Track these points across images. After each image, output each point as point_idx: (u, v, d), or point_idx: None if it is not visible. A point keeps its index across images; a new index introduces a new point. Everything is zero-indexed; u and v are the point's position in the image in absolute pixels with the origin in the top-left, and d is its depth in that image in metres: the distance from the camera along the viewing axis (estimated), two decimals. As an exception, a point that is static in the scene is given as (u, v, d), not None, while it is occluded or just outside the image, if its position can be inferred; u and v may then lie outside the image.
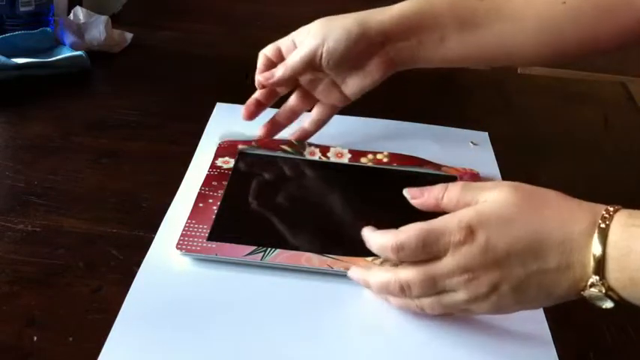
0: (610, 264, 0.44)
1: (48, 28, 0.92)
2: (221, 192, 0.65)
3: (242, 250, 0.57)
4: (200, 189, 0.65)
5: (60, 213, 0.63)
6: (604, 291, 0.45)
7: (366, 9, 0.69)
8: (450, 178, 0.70)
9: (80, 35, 0.93)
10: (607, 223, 0.45)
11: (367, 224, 0.53)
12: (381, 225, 0.52)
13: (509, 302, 0.48)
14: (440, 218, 0.49)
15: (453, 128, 0.81)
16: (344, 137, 0.77)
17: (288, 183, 0.69)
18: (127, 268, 0.56)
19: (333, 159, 0.72)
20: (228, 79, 0.89)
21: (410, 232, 0.48)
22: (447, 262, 0.47)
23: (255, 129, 0.73)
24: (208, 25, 1.08)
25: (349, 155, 0.73)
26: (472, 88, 0.97)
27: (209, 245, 0.58)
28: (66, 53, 0.89)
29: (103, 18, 0.95)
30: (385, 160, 0.72)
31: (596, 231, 0.45)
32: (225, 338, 0.51)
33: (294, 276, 0.57)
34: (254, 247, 0.58)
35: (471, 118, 0.84)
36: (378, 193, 0.69)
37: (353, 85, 0.70)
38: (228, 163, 0.69)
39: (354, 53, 0.67)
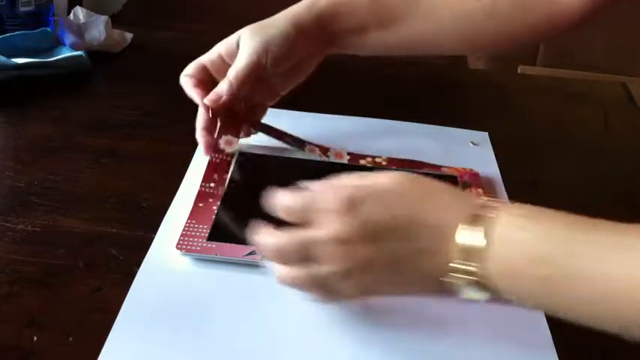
0: (490, 253, 0.44)
1: (48, 28, 0.92)
2: (221, 189, 0.65)
3: (242, 250, 0.58)
4: (201, 185, 0.65)
5: (60, 213, 0.63)
6: (471, 278, 0.44)
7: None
8: (449, 178, 0.70)
9: (80, 35, 0.93)
10: (490, 214, 0.45)
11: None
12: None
13: (379, 281, 0.48)
14: (327, 186, 0.49)
15: (453, 128, 0.81)
16: (344, 137, 0.77)
17: (288, 183, 0.69)
18: (127, 268, 0.56)
19: (332, 159, 0.72)
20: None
21: (298, 194, 0.49)
22: (324, 231, 0.47)
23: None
24: (208, 25, 1.08)
25: (348, 157, 0.73)
26: (472, 88, 0.97)
27: (209, 245, 0.58)
28: (66, 53, 0.89)
29: (103, 18, 0.95)
30: (384, 163, 0.72)
31: (475, 221, 0.44)
32: (225, 338, 0.51)
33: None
34: (254, 247, 0.58)
35: (471, 118, 0.84)
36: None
37: (288, 83, 0.72)
38: (231, 144, 0.69)
39: (296, 53, 0.68)
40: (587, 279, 0.41)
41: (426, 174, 0.71)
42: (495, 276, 0.44)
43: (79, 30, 0.94)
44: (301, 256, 0.48)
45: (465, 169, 0.72)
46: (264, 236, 0.50)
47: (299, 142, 0.73)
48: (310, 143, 0.73)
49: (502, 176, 0.72)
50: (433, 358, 0.51)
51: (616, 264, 0.41)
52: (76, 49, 0.90)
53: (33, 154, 0.71)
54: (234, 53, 0.67)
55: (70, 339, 0.50)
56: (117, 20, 1.01)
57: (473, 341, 0.52)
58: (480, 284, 0.44)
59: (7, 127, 0.77)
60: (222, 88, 0.66)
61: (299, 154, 0.72)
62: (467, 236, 0.44)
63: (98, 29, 0.93)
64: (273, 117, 0.74)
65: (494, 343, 0.52)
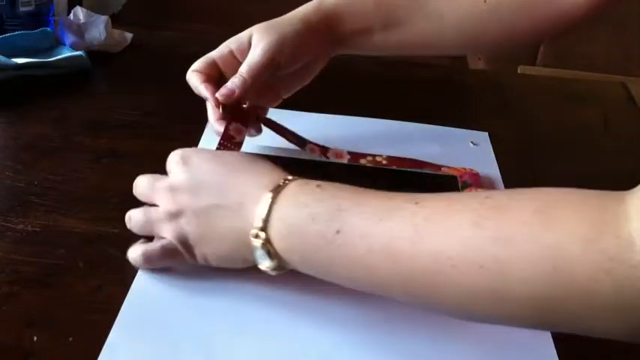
0: (273, 216, 0.48)
1: (48, 28, 0.92)
2: None
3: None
4: None
5: (60, 213, 0.63)
6: (260, 242, 0.49)
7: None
8: (449, 178, 0.71)
9: (80, 35, 0.93)
10: (287, 182, 0.50)
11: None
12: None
13: (195, 229, 0.53)
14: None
15: (453, 128, 0.81)
16: (344, 137, 0.77)
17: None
18: (127, 268, 0.56)
19: (332, 159, 0.72)
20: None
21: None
22: (165, 179, 0.55)
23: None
24: (208, 25, 1.09)
25: (348, 156, 0.73)
26: (472, 88, 0.97)
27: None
28: (66, 53, 0.89)
29: (103, 18, 0.95)
30: (384, 162, 0.72)
31: (272, 189, 0.50)
32: (225, 338, 0.51)
33: (295, 275, 0.56)
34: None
35: (471, 118, 0.84)
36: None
37: (293, 86, 0.72)
38: (241, 132, 0.67)
39: (308, 52, 0.68)
40: (353, 234, 0.46)
41: (426, 174, 0.71)
42: (276, 237, 0.48)
43: (79, 30, 0.94)
44: (146, 192, 0.56)
45: (465, 169, 0.72)
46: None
47: (301, 141, 0.73)
48: (311, 142, 0.73)
49: (502, 176, 0.72)
50: (434, 359, 0.51)
51: (377, 223, 0.45)
52: (76, 49, 0.89)
53: (33, 154, 0.71)
54: (245, 50, 0.67)
55: (70, 339, 0.50)
56: (117, 20, 1.01)
57: (473, 343, 0.52)
58: (267, 249, 0.49)
59: (7, 127, 0.77)
60: (235, 82, 0.65)
61: (300, 155, 0.72)
62: (262, 204, 0.49)
63: (98, 29, 0.93)
64: (273, 116, 0.74)
65: (495, 344, 0.52)
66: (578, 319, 0.41)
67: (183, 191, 0.53)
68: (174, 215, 0.53)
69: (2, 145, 0.73)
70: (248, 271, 0.56)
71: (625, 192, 0.40)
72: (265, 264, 0.50)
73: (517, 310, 0.42)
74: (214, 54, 0.68)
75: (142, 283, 0.55)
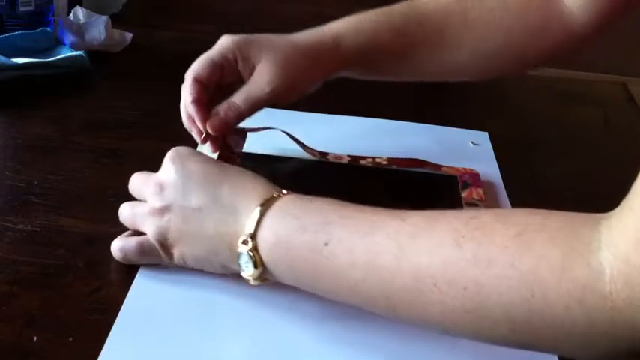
0: (264, 225, 0.49)
1: (48, 28, 0.92)
2: None
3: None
4: None
5: (60, 213, 0.63)
6: (247, 249, 0.49)
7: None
8: (449, 178, 0.71)
9: (80, 35, 0.93)
10: (280, 195, 0.51)
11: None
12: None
13: (175, 227, 0.52)
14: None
15: (453, 128, 0.81)
16: (344, 137, 0.77)
17: (288, 183, 0.69)
18: (127, 268, 0.56)
19: (332, 161, 0.72)
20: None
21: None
22: (157, 175, 0.55)
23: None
24: (208, 25, 1.09)
25: (348, 159, 0.73)
26: (472, 88, 0.97)
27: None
28: (66, 53, 0.89)
29: (103, 18, 0.95)
30: (384, 163, 0.72)
31: (265, 199, 0.50)
32: (225, 338, 0.51)
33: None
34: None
35: (471, 118, 0.84)
36: (379, 193, 0.69)
37: (279, 105, 0.67)
38: (238, 144, 0.67)
39: (311, 84, 0.66)
40: (339, 247, 0.46)
41: (426, 174, 0.71)
42: (264, 246, 0.49)
43: (79, 30, 0.94)
44: (142, 187, 0.56)
45: (465, 169, 0.72)
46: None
47: (301, 145, 0.73)
48: (309, 148, 0.73)
49: (502, 176, 0.72)
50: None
51: (363, 238, 0.46)
52: (76, 49, 0.89)
53: (33, 154, 0.71)
54: (249, 62, 0.63)
55: (70, 339, 0.50)
56: (117, 20, 1.01)
57: (473, 343, 0.52)
58: (253, 256, 0.49)
59: (7, 127, 0.77)
60: (230, 115, 0.62)
61: (300, 155, 0.72)
62: (254, 212, 0.50)
63: (98, 29, 0.93)
64: (273, 117, 0.74)
65: (496, 346, 0.52)
66: (555, 342, 0.41)
67: (172, 188, 0.53)
68: (159, 211, 0.53)
69: (2, 145, 0.73)
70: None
71: (602, 216, 0.41)
72: (248, 272, 0.50)
73: (495, 331, 0.43)
74: (217, 58, 0.63)
75: (142, 283, 0.55)
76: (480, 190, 0.68)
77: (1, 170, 0.68)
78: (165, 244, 0.54)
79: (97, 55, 0.91)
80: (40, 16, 0.93)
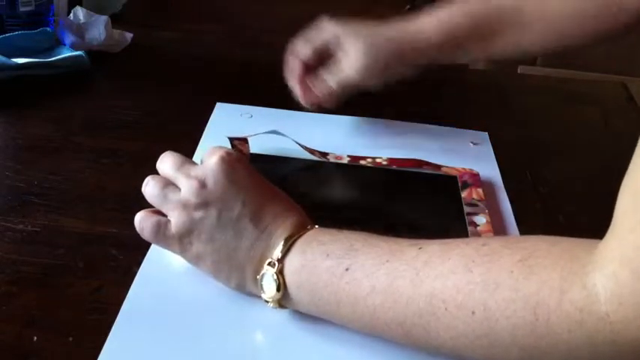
0: (294, 250, 0.50)
1: (48, 28, 0.92)
2: None
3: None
4: None
5: (60, 213, 0.63)
6: (275, 272, 0.50)
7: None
8: (449, 178, 0.71)
9: (80, 35, 0.93)
10: (312, 227, 0.52)
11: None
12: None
13: (206, 226, 0.52)
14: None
15: (453, 128, 0.81)
16: (344, 137, 0.77)
17: (288, 183, 0.69)
18: (127, 268, 0.56)
19: (332, 160, 0.72)
20: (228, 79, 0.89)
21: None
22: (198, 168, 0.53)
23: (255, 128, 0.73)
24: (208, 25, 1.08)
25: (348, 159, 0.73)
26: (472, 88, 0.97)
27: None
28: (66, 53, 0.89)
29: (103, 18, 0.95)
30: (384, 163, 0.72)
31: (300, 227, 0.52)
32: (225, 338, 0.51)
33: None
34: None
35: (471, 118, 0.84)
36: (379, 193, 0.69)
37: (378, 84, 0.75)
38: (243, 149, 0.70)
39: (401, 69, 0.75)
40: (360, 272, 0.47)
41: (426, 174, 0.71)
42: (289, 270, 0.50)
43: (79, 30, 0.94)
44: (174, 171, 0.54)
45: (465, 169, 0.72)
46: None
47: (298, 143, 0.73)
48: (309, 148, 0.73)
49: (502, 176, 0.72)
50: None
51: (383, 264, 0.47)
52: (76, 49, 0.89)
53: (33, 154, 0.71)
54: (342, 47, 0.72)
55: (70, 339, 0.50)
56: (117, 20, 1.01)
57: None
58: (277, 279, 0.50)
59: (7, 127, 0.77)
60: (325, 96, 0.73)
61: (301, 155, 0.72)
62: (286, 238, 0.51)
63: (98, 29, 0.93)
64: (273, 117, 0.74)
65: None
66: None
67: (217, 189, 0.52)
68: (194, 206, 0.52)
69: (2, 145, 0.73)
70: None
71: (598, 241, 0.41)
72: (270, 293, 0.51)
73: (505, 355, 0.43)
74: (319, 44, 0.73)
75: (142, 283, 0.55)
76: (480, 190, 0.68)
77: (1, 170, 0.68)
78: (186, 238, 0.53)
79: (97, 55, 0.91)
80: (40, 16, 0.93)
